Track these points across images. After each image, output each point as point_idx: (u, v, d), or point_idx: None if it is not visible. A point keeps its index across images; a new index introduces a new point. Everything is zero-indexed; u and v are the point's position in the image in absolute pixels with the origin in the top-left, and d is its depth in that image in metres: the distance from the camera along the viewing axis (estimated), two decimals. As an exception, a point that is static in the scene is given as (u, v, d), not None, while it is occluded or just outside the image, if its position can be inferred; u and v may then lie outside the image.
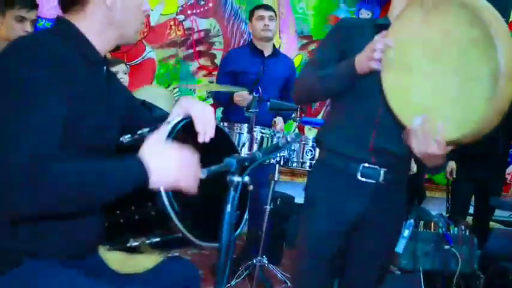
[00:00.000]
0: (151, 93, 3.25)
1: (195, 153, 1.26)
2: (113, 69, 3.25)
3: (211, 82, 4.39)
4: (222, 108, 3.69)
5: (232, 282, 3.01)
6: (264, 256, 3.03)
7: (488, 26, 1.29)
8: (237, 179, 1.14)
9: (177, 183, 1.20)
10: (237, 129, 2.87)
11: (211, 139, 1.40)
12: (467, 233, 2.84)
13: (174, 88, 4.46)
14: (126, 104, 1.49)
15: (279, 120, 3.25)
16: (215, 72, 4.26)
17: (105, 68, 1.37)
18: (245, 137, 2.81)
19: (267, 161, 2.89)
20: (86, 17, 1.28)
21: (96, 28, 1.29)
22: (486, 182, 3.73)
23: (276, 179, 2.95)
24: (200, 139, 1.37)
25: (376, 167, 1.70)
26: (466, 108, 1.35)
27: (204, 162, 1.25)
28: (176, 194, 1.22)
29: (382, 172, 1.70)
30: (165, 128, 1.28)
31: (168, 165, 1.19)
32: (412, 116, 1.47)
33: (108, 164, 1.19)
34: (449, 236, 2.77)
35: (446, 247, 2.75)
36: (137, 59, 4.30)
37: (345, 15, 4.90)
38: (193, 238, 1.26)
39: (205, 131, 1.39)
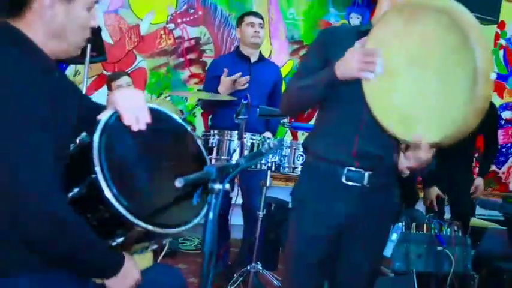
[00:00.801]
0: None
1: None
2: (117, 82, 3.29)
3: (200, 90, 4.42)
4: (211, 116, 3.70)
5: (228, 289, 3.01)
6: (259, 262, 3.03)
7: (466, 31, 1.33)
8: (217, 186, 1.16)
9: None
10: (227, 136, 2.88)
11: (160, 126, 1.39)
12: (460, 234, 2.85)
13: (166, 97, 4.48)
14: (80, 104, 1.46)
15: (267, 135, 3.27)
16: (207, 80, 4.32)
17: (57, 72, 1.35)
18: (235, 143, 2.82)
19: (258, 167, 2.91)
20: (28, 24, 1.25)
21: (38, 37, 1.26)
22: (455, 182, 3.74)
23: (267, 185, 2.95)
24: (134, 128, 1.34)
25: (360, 170, 1.72)
26: (446, 111, 1.38)
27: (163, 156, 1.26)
28: (122, 189, 1.22)
29: (366, 175, 1.72)
30: (95, 133, 1.27)
31: None
32: (390, 119, 1.49)
33: None
34: (442, 237, 2.77)
35: (439, 248, 2.75)
36: (128, 69, 4.32)
37: (335, 19, 4.93)
38: (154, 228, 1.25)
39: (137, 120, 1.35)
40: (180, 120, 1.53)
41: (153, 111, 1.40)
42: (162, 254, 2.95)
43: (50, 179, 1.16)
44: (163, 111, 1.49)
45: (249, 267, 3.01)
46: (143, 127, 1.35)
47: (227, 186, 1.16)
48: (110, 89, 3.40)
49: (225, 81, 3.24)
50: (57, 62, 1.37)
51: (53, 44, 1.29)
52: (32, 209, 1.12)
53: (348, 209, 1.75)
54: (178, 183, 1.10)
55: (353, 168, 1.72)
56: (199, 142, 1.53)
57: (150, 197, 1.31)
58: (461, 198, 3.69)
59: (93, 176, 1.21)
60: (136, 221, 1.22)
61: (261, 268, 3.04)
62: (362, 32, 1.70)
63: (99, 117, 1.33)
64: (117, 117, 1.34)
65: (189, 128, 1.56)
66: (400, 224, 2.70)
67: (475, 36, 1.31)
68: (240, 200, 3.57)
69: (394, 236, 2.67)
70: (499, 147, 4.93)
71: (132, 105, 1.35)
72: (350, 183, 1.73)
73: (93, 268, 1.28)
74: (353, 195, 1.74)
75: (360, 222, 1.77)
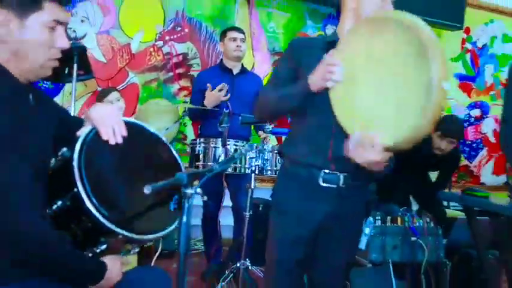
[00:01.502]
0: (156, 108, 3.27)
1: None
2: (108, 97, 3.28)
3: (180, 102, 4.47)
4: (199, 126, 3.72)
5: (220, 286, 3.01)
6: (247, 259, 3.05)
7: (424, 43, 1.33)
8: (189, 191, 1.16)
9: None
10: (212, 143, 2.90)
11: (136, 138, 1.39)
12: (432, 225, 2.86)
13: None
14: (60, 121, 1.43)
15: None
16: (195, 93, 4.33)
17: (31, 95, 1.30)
18: (220, 150, 2.83)
19: (243, 171, 2.92)
20: None
21: (5, 60, 1.23)
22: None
23: (252, 187, 2.96)
24: (111, 142, 1.34)
25: (336, 172, 1.73)
26: (402, 117, 1.39)
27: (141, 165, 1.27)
28: (103, 200, 1.23)
29: (341, 177, 1.73)
30: (75, 148, 1.27)
31: None
32: (354, 125, 1.50)
33: None
34: (414, 229, 2.78)
35: (413, 239, 2.76)
36: (121, 84, 4.31)
37: (313, 31, 4.96)
38: (133, 235, 1.27)
39: (113, 134, 1.34)
40: (154, 131, 1.53)
41: (128, 124, 1.41)
42: (157, 254, 2.93)
43: (21, 198, 1.13)
44: (137, 124, 1.49)
45: (238, 264, 3.03)
46: (120, 140, 1.35)
47: (199, 190, 1.17)
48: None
49: (209, 95, 3.27)
50: (35, 83, 1.34)
51: (14, 63, 1.24)
52: (7, 228, 1.12)
53: (327, 209, 1.75)
54: (146, 190, 1.11)
55: (329, 171, 1.73)
56: (174, 151, 1.53)
57: (129, 206, 1.32)
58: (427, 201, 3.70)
59: (75, 190, 1.22)
60: (117, 229, 1.24)
61: (249, 264, 3.06)
62: (329, 42, 1.72)
63: (78, 133, 1.34)
64: (95, 133, 1.34)
65: (163, 138, 1.56)
66: (372, 218, 2.71)
67: (432, 48, 1.32)
68: (230, 203, 3.59)
69: (367, 230, 2.68)
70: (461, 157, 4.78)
71: (108, 121, 1.34)
72: (327, 185, 1.74)
73: (77, 278, 1.27)
74: (330, 196, 1.75)
75: (337, 220, 1.78)
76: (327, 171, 1.73)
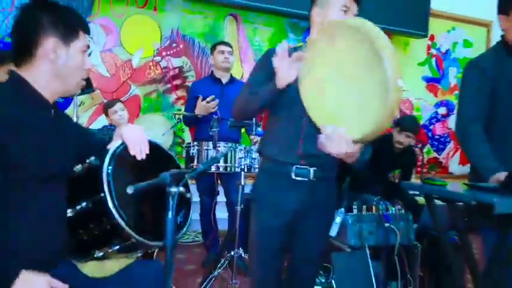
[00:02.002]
0: (149, 120, 3.29)
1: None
2: (113, 108, 3.28)
3: (178, 110, 4.42)
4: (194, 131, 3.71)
5: (216, 272, 2.99)
6: (241, 248, 3.04)
7: (375, 44, 1.32)
8: (173, 189, 1.15)
9: None
10: (204, 146, 2.88)
11: (152, 154, 1.40)
12: (403, 211, 2.85)
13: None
14: (78, 136, 1.47)
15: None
16: (191, 101, 4.33)
17: (53, 111, 1.34)
18: (212, 151, 2.81)
19: (233, 170, 2.91)
20: (33, 70, 1.27)
21: (44, 80, 1.27)
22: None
23: (242, 183, 2.95)
24: (138, 157, 1.38)
25: (306, 167, 1.74)
26: (365, 112, 1.38)
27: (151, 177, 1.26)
28: (124, 207, 1.23)
29: (312, 171, 1.74)
30: (105, 157, 1.30)
31: None
32: (324, 121, 1.49)
33: None
34: (387, 216, 2.77)
35: (387, 225, 2.74)
36: (124, 96, 4.30)
37: (294, 43, 4.92)
38: (145, 241, 1.27)
39: (140, 151, 1.38)
40: (168, 151, 1.58)
41: (150, 143, 1.45)
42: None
43: None
44: (156, 144, 1.52)
45: (232, 253, 3.02)
46: (144, 157, 1.39)
47: (181, 189, 1.15)
48: (106, 114, 3.38)
49: (199, 105, 3.30)
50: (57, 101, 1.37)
51: (56, 84, 1.29)
52: None
53: (300, 198, 1.76)
54: (129, 190, 1.11)
55: (300, 166, 1.73)
56: (179, 163, 1.57)
57: (144, 214, 1.32)
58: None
59: (102, 194, 1.24)
60: (132, 233, 1.26)
61: (242, 252, 3.06)
62: (295, 48, 1.71)
63: (109, 146, 1.39)
64: (124, 147, 1.38)
65: (172, 155, 1.62)
66: (343, 208, 2.70)
67: (384, 49, 1.31)
68: (225, 198, 3.59)
69: (338, 219, 2.68)
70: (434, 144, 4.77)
71: (136, 139, 1.39)
72: (299, 178, 1.74)
73: None
74: (303, 188, 1.75)
75: (310, 208, 1.78)
76: (298, 166, 1.73)
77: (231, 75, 3.64)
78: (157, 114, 4.10)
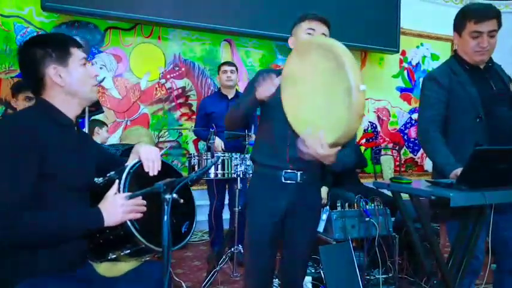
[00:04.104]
0: (136, 133, 3.27)
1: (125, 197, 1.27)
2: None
3: (181, 125, 4.47)
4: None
5: (219, 267, 2.98)
6: (240, 245, 3.03)
7: (339, 58, 1.31)
8: (167, 196, 1.15)
9: (123, 219, 1.25)
10: (204, 156, 2.89)
11: (163, 172, 1.42)
12: (382, 207, 2.85)
13: (165, 132, 4.48)
14: (98, 153, 1.50)
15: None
16: (194, 117, 4.38)
17: (76, 128, 1.37)
18: (210, 161, 2.82)
19: (230, 176, 2.91)
20: (51, 95, 1.30)
21: (61, 100, 1.30)
22: None
23: (239, 188, 2.96)
24: (151, 174, 1.40)
25: (294, 171, 1.74)
26: (336, 118, 1.35)
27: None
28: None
29: (299, 174, 1.75)
30: (123, 173, 1.32)
31: (114, 211, 1.24)
32: (302, 128, 1.48)
33: (71, 213, 1.22)
34: (368, 211, 2.77)
35: (367, 219, 2.74)
36: (135, 115, 4.32)
37: (282, 63, 4.97)
38: (153, 247, 1.28)
39: (153, 168, 1.40)
40: (176, 169, 1.58)
41: (162, 162, 1.45)
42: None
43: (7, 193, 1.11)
44: (167, 163, 1.53)
45: (232, 249, 3.01)
46: (156, 173, 1.40)
47: (174, 195, 1.15)
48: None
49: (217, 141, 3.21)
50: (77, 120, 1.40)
51: (72, 100, 1.32)
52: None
53: (289, 198, 1.76)
54: (125, 198, 1.11)
55: (289, 171, 1.74)
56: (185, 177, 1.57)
57: (154, 224, 1.31)
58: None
59: None
60: (143, 240, 1.26)
61: (241, 249, 3.05)
62: (280, 72, 1.72)
63: (127, 163, 1.41)
64: (140, 165, 1.39)
65: (182, 173, 1.62)
66: (328, 207, 2.70)
67: (347, 61, 1.30)
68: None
69: (324, 216, 2.68)
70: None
71: (151, 158, 1.40)
72: (288, 181, 1.75)
73: (78, 231, 1.23)
74: (291, 190, 1.76)
75: (298, 208, 1.78)
76: (287, 171, 1.74)
77: (236, 90, 3.65)
78: (141, 127, 4.05)
